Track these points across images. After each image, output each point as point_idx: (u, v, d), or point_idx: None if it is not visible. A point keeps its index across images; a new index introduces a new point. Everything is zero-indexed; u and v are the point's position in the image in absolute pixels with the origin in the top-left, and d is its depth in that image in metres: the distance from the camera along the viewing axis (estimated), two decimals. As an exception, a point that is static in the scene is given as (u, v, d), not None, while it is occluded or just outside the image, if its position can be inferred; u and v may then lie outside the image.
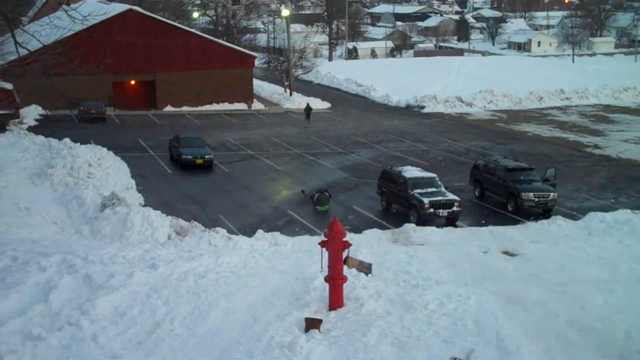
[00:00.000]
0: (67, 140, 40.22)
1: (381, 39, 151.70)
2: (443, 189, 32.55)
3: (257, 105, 67.97)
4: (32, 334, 17.22)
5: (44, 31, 26.69)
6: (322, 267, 19.30)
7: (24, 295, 19.25)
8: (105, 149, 40.38)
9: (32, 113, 55.99)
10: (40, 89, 45.82)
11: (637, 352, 16.98)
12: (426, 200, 31.11)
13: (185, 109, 64.34)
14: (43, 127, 50.84)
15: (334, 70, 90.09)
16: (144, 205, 31.46)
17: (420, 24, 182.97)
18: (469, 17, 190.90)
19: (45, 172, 35.93)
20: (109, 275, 20.32)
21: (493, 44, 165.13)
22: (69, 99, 54.57)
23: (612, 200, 35.81)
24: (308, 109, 59.03)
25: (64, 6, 30.65)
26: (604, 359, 16.67)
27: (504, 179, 34.19)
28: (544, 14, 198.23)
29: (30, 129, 50.05)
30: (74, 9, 26.15)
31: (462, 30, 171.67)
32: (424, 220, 30.88)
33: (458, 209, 31.61)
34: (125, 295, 19.16)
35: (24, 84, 45.35)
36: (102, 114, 56.91)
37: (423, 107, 67.25)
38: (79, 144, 39.92)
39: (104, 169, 37.03)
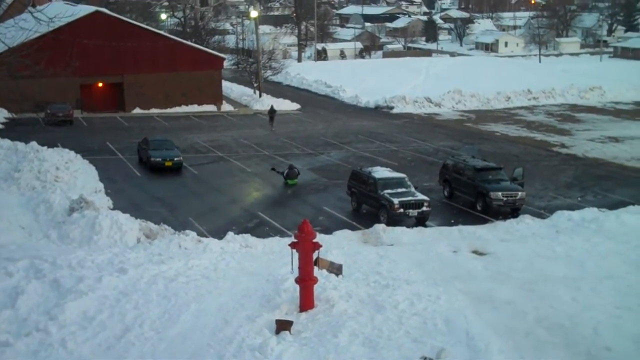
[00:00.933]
0: (33, 143, 39.68)
1: (350, 40, 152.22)
2: (412, 189, 32.70)
3: (226, 107, 67.75)
4: (-1, 340, 17.01)
5: (9, 33, 26.40)
6: (292, 269, 19.30)
7: (-9, 301, 19.00)
8: (72, 152, 39.96)
9: (-3, 116, 55.35)
10: (5, 91, 45.38)
11: (605, 348, 17.20)
12: (396, 201, 31.23)
13: (153, 111, 63.92)
14: (9, 131, 50.22)
15: (303, 72, 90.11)
16: (113, 209, 31.22)
17: (388, 25, 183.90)
18: (436, 18, 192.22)
19: (11, 176, 35.45)
20: (77, 280, 20.11)
21: (461, 45, 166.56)
22: (35, 102, 54.23)
23: (579, 198, 36.24)
24: (272, 111, 57.19)
25: (29, 8, 30.32)
26: (572, 356, 16.85)
27: (473, 178, 34.44)
28: (510, 14, 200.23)
29: (-4, 132, 49.42)
30: (39, 10, 25.91)
31: (430, 31, 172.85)
32: (394, 220, 30.99)
33: (427, 209, 31.78)
34: (94, 300, 18.99)
35: (-12, 86, 44.71)
36: (69, 117, 56.29)
37: (392, 108, 67.53)
38: (46, 147, 39.41)
39: (71, 173, 36.66)
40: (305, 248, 18.75)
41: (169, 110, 64.37)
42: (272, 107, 58.30)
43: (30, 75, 25.93)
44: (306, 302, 18.88)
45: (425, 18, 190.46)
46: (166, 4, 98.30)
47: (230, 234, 27.54)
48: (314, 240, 18.93)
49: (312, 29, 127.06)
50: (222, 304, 19.21)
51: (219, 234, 28.38)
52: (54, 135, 48.91)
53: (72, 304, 18.58)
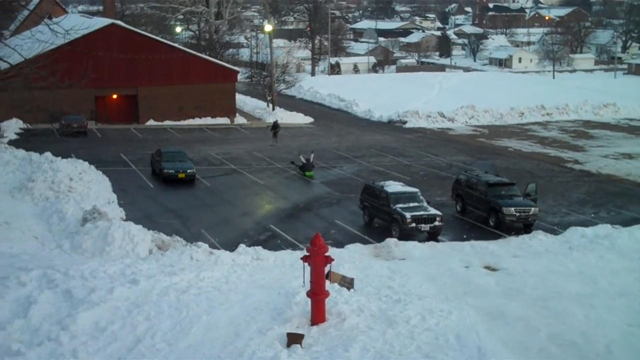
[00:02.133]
0: (48, 154, 39.98)
1: (363, 55, 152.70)
2: (425, 204, 32.64)
3: (239, 119, 67.96)
4: (12, 350, 17.04)
5: (26, 45, 26.64)
6: (304, 282, 19.27)
7: (3, 311, 19.05)
8: (86, 163, 40.12)
9: (12, 127, 55.70)
10: (21, 102, 45.80)
11: (618, 366, 17.08)
12: (408, 215, 31.18)
13: (167, 123, 64.19)
14: (24, 141, 50.56)
15: (317, 85, 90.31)
16: (126, 220, 31.30)
17: (402, 39, 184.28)
18: (450, 33, 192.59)
19: (25, 186, 35.67)
20: (89, 290, 20.16)
21: (474, 60, 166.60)
22: (50, 113, 54.59)
23: (592, 215, 36.07)
24: (275, 126, 55.45)
25: (46, 20, 30.61)
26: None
27: (486, 193, 34.36)
28: (524, 30, 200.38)
29: (11, 142, 49.74)
30: (56, 22, 26.13)
31: (444, 46, 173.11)
32: (406, 234, 30.94)
33: (440, 223, 31.70)
34: (105, 311, 19.02)
35: (4, 97, 45.07)
36: (83, 128, 56.64)
37: (405, 122, 67.53)
38: (60, 157, 39.64)
39: (85, 183, 36.81)
40: (317, 261, 18.72)
41: (182, 123, 64.62)
42: (275, 122, 57.09)
43: (45, 86, 26.11)
44: (317, 316, 18.84)
45: (439, 33, 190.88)
46: (181, 17, 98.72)
47: (242, 247, 27.55)
48: (326, 254, 18.90)
49: (326, 43, 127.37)
50: (233, 317, 19.19)
51: (231, 246, 28.42)
52: (68, 146, 49.18)
53: (84, 314, 18.61)
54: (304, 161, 43.62)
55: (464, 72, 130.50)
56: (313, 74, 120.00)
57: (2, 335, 17.66)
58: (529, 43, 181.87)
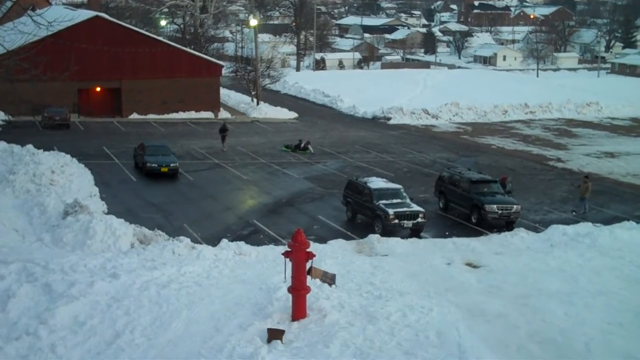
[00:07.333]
0: (30, 146, 39.64)
1: (349, 51, 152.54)
2: (408, 200, 32.68)
3: (223, 114, 67.70)
4: (-11, 344, 16.93)
5: (8, 36, 26.42)
6: (285, 278, 19.26)
7: (-18, 304, 18.93)
8: (68, 156, 39.89)
9: (-6, 119, 55.19)
10: (3, 94, 45.19)
11: (596, 364, 17.17)
12: (391, 211, 31.21)
13: (151, 116, 63.86)
14: (5, 133, 50.07)
15: (302, 81, 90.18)
16: (107, 213, 31.11)
17: (387, 36, 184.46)
18: (435, 30, 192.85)
19: (6, 178, 35.37)
20: (69, 284, 20.04)
21: (459, 58, 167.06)
22: (32, 105, 54.01)
23: (573, 213, 36.26)
24: (223, 129, 50.61)
25: (29, 12, 30.35)
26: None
27: (468, 191, 34.46)
28: (509, 28, 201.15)
29: (-8, 134, 49.28)
30: (39, 14, 25.94)
31: (429, 43, 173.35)
32: (388, 231, 30.97)
33: (422, 220, 31.76)
34: (85, 305, 18.92)
35: (-14, 89, 44.69)
36: (66, 121, 56.21)
37: (389, 119, 67.60)
38: (42, 150, 39.33)
39: (67, 176, 36.58)
40: (298, 257, 18.72)
41: (166, 116, 64.30)
42: (224, 125, 51.99)
43: (28, 78, 25.92)
44: (298, 312, 18.84)
45: (424, 30, 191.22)
46: (166, 10, 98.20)
47: (224, 241, 27.49)
48: (308, 250, 18.89)
49: (311, 38, 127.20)
50: (214, 312, 19.15)
51: (213, 241, 28.34)
52: (51, 139, 48.80)
53: (63, 308, 18.51)
54: (308, 143, 51.02)
55: (448, 69, 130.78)
56: (298, 69, 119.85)
57: (-20, 329, 17.54)
58: (513, 41, 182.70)
